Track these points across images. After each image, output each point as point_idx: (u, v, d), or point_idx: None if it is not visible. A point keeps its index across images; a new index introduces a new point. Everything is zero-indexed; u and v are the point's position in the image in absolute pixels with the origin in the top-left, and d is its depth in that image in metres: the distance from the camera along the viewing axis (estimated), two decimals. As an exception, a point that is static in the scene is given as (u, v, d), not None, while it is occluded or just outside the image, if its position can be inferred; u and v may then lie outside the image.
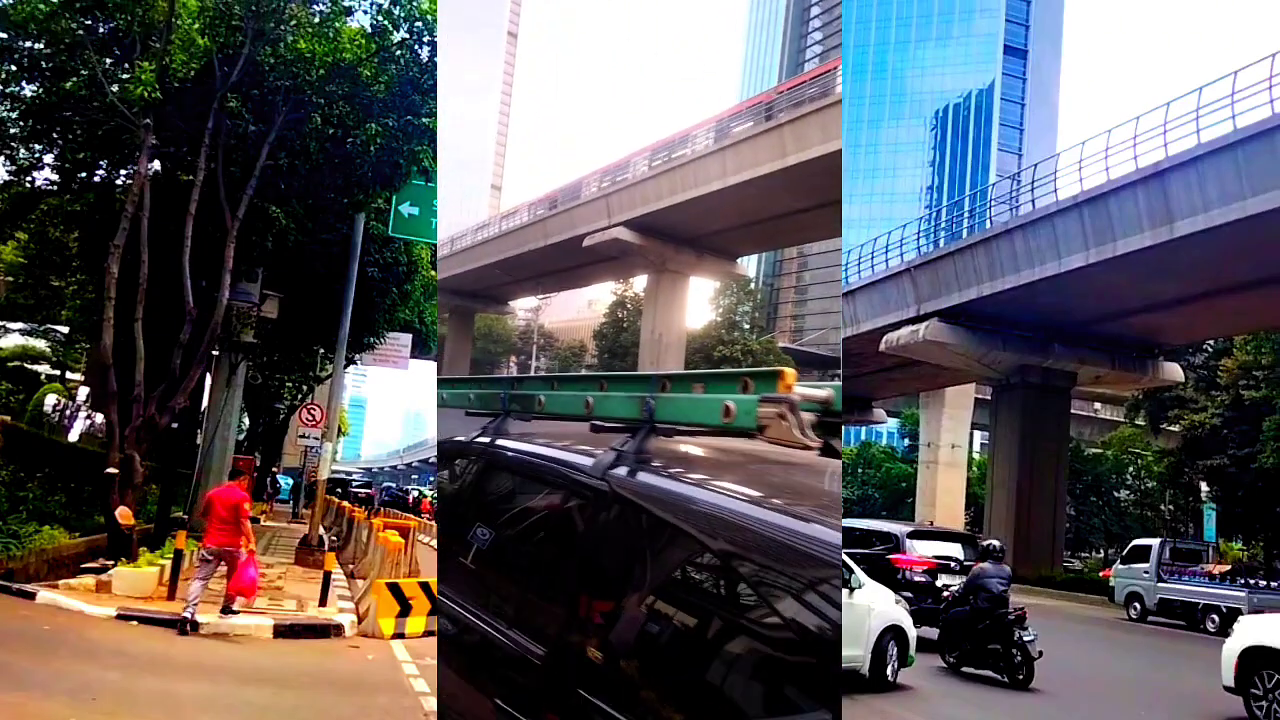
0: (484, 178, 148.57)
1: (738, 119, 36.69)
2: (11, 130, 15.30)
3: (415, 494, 48.58)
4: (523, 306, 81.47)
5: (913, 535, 14.49)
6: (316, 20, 14.62)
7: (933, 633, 12.07)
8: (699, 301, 55.67)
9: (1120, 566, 24.88)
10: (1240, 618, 11.84)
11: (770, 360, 61.00)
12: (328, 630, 10.54)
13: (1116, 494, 52.70)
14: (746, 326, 64.94)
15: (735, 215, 38.96)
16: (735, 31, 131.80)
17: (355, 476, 67.45)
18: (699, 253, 45.35)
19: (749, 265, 73.77)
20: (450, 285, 65.77)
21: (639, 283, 69.23)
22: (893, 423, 66.60)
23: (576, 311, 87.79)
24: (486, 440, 3.78)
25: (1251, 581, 21.85)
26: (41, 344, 29.62)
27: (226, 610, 10.10)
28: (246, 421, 36.04)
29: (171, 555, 11.50)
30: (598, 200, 44.96)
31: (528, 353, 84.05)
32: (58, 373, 27.98)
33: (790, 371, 2.59)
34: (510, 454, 3.63)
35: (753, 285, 68.13)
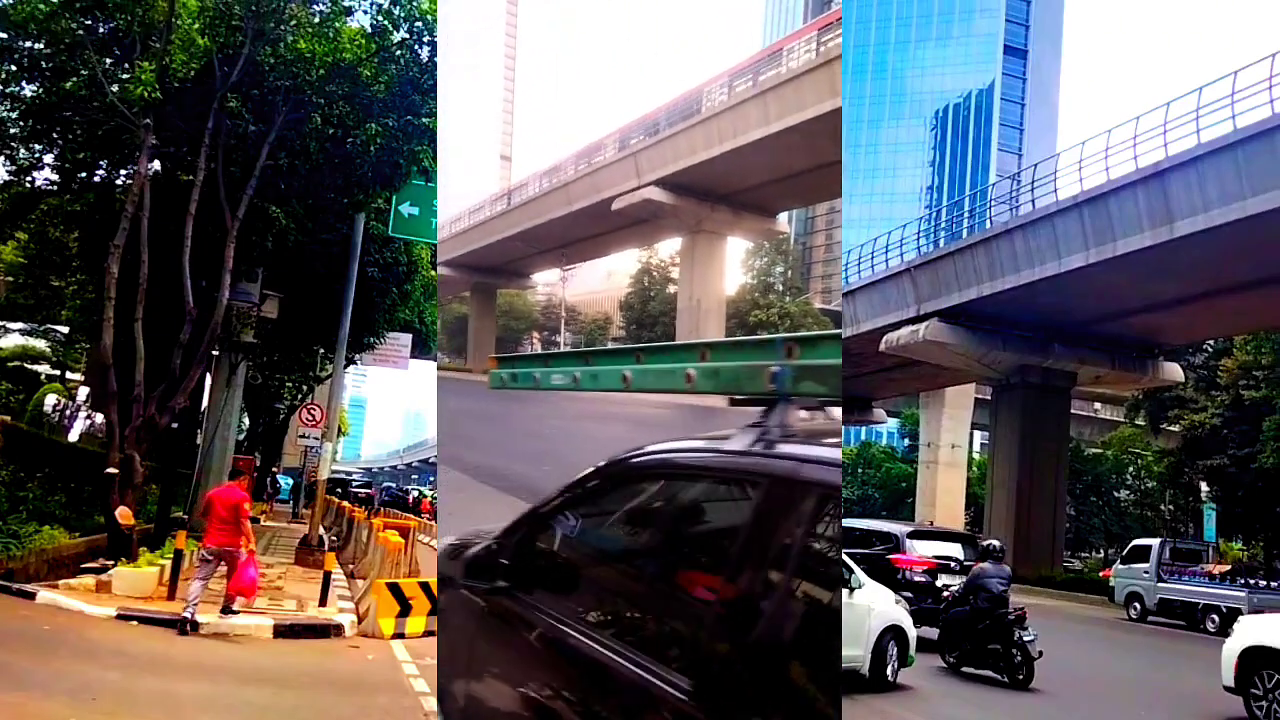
0: (492, 148, 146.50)
1: (773, 60, 34.39)
2: (11, 130, 15.30)
3: (415, 494, 48.55)
4: (543, 281, 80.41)
5: (913, 535, 14.48)
6: (316, 20, 14.62)
7: (933, 633, 12.07)
8: (731, 264, 53.01)
9: (1120, 566, 24.88)
10: (1240, 618, 11.83)
11: (809, 323, 59.01)
12: (328, 630, 10.54)
13: (1116, 494, 52.68)
14: (781, 288, 62.49)
15: (776, 167, 36.49)
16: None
17: (355, 476, 67.42)
18: (736, 210, 42.64)
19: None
20: (468, 261, 64.13)
21: (665, 248, 67.11)
22: (893, 423, 66.53)
23: (597, 283, 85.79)
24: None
25: (1251, 581, 21.85)
26: (41, 344, 29.60)
27: (226, 610, 10.10)
28: (246, 421, 36.03)
29: (171, 555, 11.50)
30: (625, 160, 42.16)
31: (551, 328, 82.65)
32: (58, 373, 27.97)
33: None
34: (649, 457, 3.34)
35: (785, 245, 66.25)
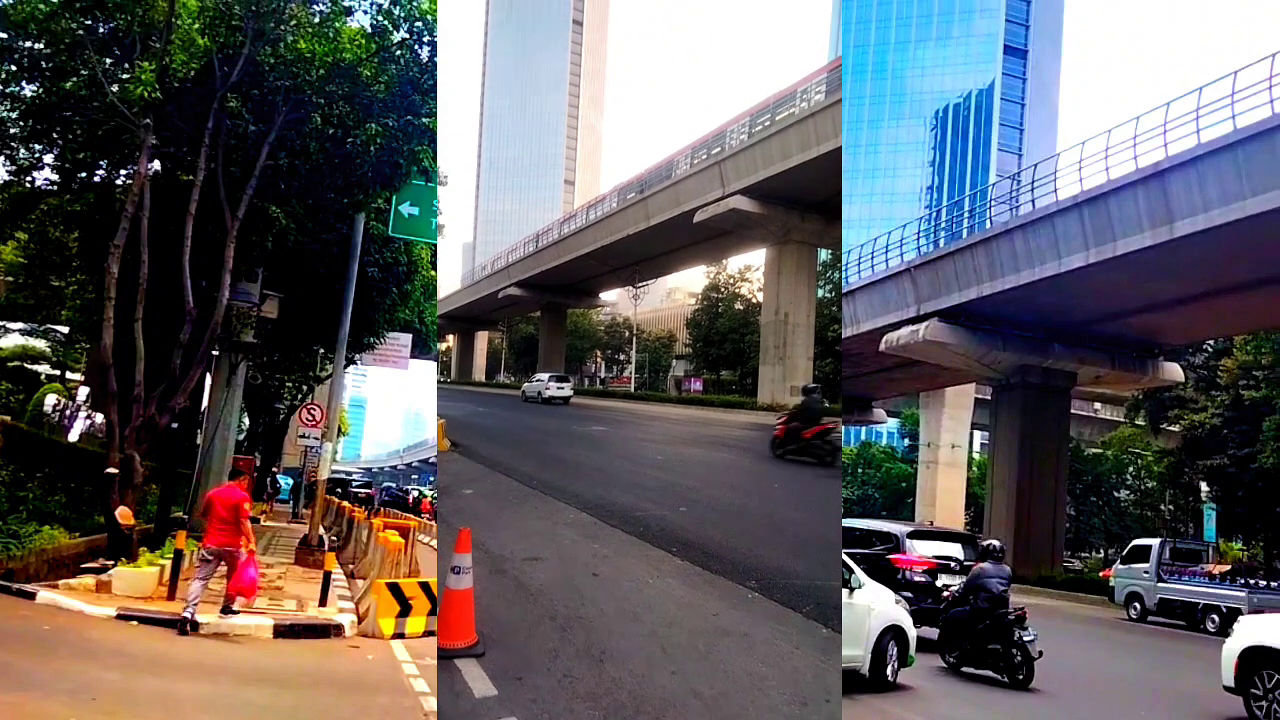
0: (555, 176, 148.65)
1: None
2: (11, 130, 15.28)
3: (415, 494, 48.48)
4: (609, 299, 79.84)
5: (913, 535, 14.46)
6: (316, 20, 14.62)
7: (933, 633, 12.07)
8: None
9: (1120, 566, 24.88)
10: (1240, 618, 11.82)
11: None
12: (328, 630, 10.54)
13: (1116, 494, 52.70)
14: None
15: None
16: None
17: (355, 476, 67.32)
18: (828, 218, 40.40)
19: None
20: (538, 282, 63.87)
21: (734, 263, 66.61)
22: (893, 423, 66.58)
23: (659, 300, 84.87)
24: None
25: (1251, 581, 21.84)
26: (41, 344, 29.57)
27: (226, 610, 10.10)
28: (246, 421, 36.02)
29: (171, 555, 11.51)
30: (708, 169, 40.61)
31: (615, 346, 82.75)
32: (58, 373, 27.95)
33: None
34: None
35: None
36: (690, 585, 7.57)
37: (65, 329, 27.34)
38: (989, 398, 40.34)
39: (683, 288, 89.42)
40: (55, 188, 16.92)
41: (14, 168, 16.07)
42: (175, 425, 15.05)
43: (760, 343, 44.61)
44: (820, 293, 56.25)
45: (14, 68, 14.39)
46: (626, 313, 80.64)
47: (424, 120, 15.00)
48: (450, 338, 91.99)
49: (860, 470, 63.61)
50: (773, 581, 7.71)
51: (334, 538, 21.34)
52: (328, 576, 12.15)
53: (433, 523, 26.55)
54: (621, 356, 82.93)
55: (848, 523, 15.40)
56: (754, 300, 66.54)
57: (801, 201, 38.93)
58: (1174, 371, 34.01)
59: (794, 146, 35.15)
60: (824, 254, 51.05)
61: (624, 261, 55.98)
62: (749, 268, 68.12)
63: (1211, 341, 36.66)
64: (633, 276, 60.78)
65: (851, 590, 9.37)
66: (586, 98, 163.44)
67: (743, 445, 23.89)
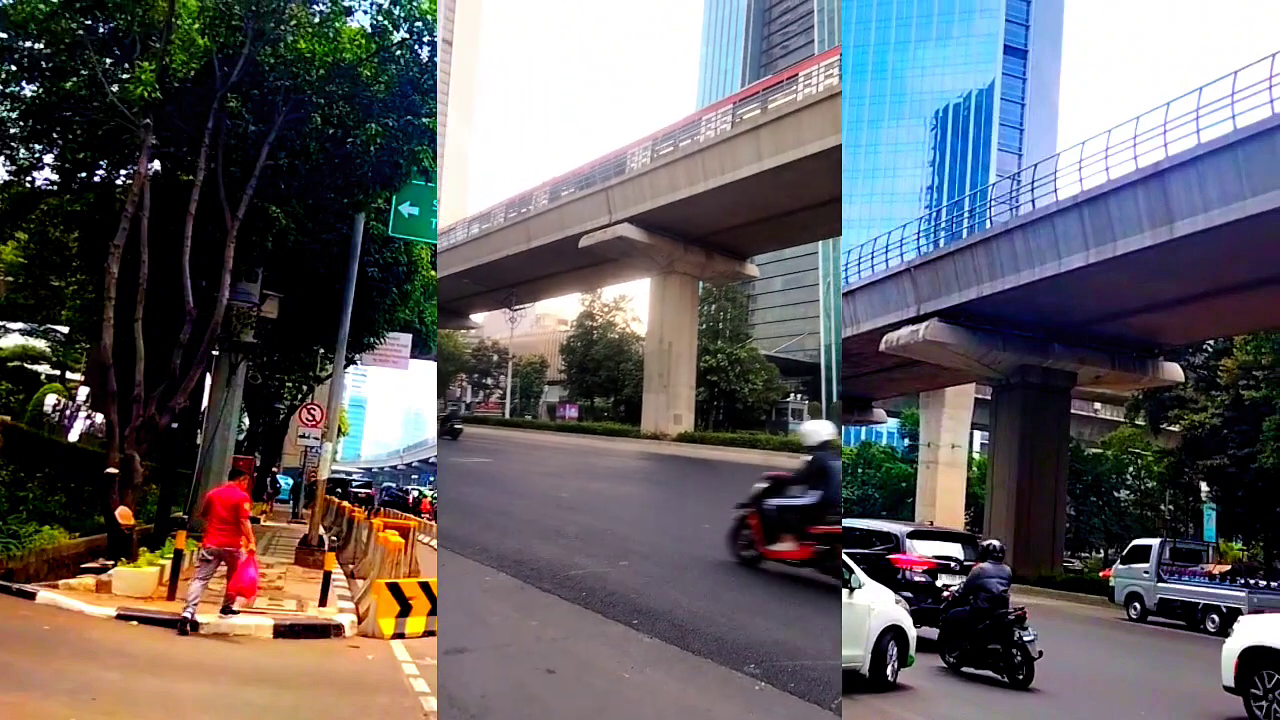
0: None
1: (752, 102, 33.97)
2: (11, 130, 15.29)
3: (415, 494, 48.48)
4: (477, 322, 77.10)
5: (913, 535, 14.47)
6: (316, 20, 14.62)
7: (933, 633, 12.07)
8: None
9: (1120, 566, 24.88)
10: (1240, 618, 11.83)
11: (756, 369, 59.26)
12: (328, 630, 10.54)
13: (1116, 494, 52.66)
14: (729, 334, 62.29)
15: (758, 207, 35.37)
16: (694, 33, 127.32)
17: (355, 476, 67.27)
18: (709, 252, 41.71)
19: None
20: None
21: (609, 291, 66.48)
22: (893, 423, 66.56)
23: (530, 325, 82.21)
24: None
25: (1251, 581, 21.84)
26: (41, 344, 29.60)
27: (226, 610, 10.11)
28: (246, 421, 36.03)
29: (171, 555, 11.51)
30: (596, 195, 40.82)
31: (481, 370, 79.54)
32: (58, 373, 27.97)
33: None
34: None
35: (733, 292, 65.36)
36: (677, 676, 5.92)
37: (65, 329, 27.36)
38: (989, 398, 40.33)
39: (553, 314, 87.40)
40: (55, 188, 16.93)
41: (14, 168, 16.08)
42: (175, 425, 15.05)
43: (644, 370, 45.43)
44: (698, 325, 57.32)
45: (14, 68, 14.39)
46: (495, 336, 78.88)
47: (424, 120, 15.00)
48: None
49: (860, 470, 63.60)
50: (775, 663, 6.23)
51: (334, 538, 21.34)
52: (328, 576, 12.15)
53: (433, 523, 26.55)
54: (489, 381, 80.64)
55: (848, 523, 15.39)
56: (627, 329, 67.72)
57: (686, 234, 39.89)
58: (1174, 371, 34.00)
59: (681, 179, 35.79)
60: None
61: (501, 283, 55.17)
62: (624, 297, 69.09)
63: (1211, 341, 36.64)
64: (508, 299, 60.17)
65: (851, 590, 9.37)
66: (457, 116, 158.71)
67: (645, 477, 23.54)
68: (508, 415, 64.44)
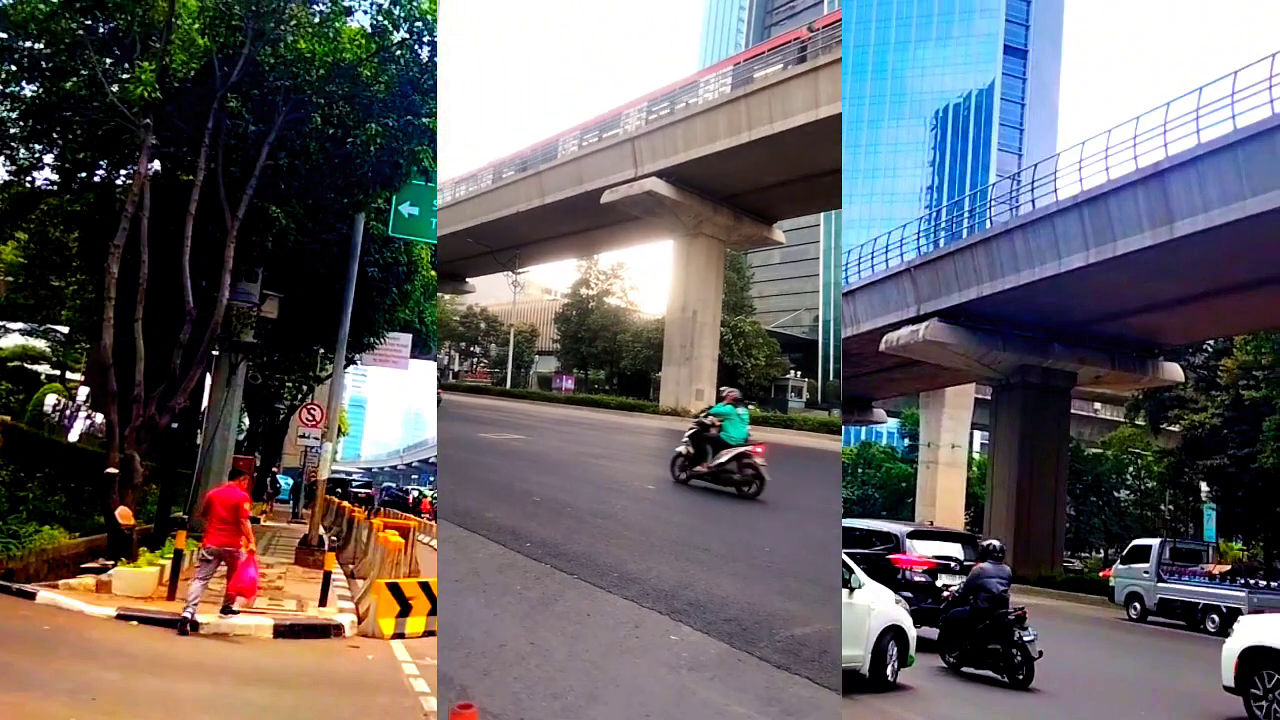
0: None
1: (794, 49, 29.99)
2: (11, 130, 15.29)
3: (415, 494, 48.50)
4: (466, 286, 71.63)
5: (913, 535, 14.46)
6: (316, 20, 14.62)
7: (933, 633, 12.07)
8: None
9: (1120, 566, 24.88)
10: (1240, 618, 11.82)
11: (759, 344, 57.47)
12: (328, 630, 10.54)
13: (1116, 494, 52.66)
14: (733, 306, 59.49)
15: (795, 165, 31.71)
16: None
17: (355, 476, 67.26)
18: (738, 214, 38.11)
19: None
20: None
21: (606, 259, 62.63)
22: (893, 423, 66.53)
23: (515, 294, 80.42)
24: None
25: (1251, 581, 21.85)
26: (41, 344, 29.60)
27: (226, 610, 10.11)
28: (246, 421, 36.03)
29: (171, 555, 11.51)
30: (621, 145, 36.52)
31: (469, 339, 76.07)
32: (58, 373, 27.97)
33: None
34: None
35: (738, 262, 62.17)
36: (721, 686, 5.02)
37: (65, 329, 27.37)
38: (989, 398, 40.33)
39: (536, 282, 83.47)
40: (55, 188, 16.93)
41: (14, 168, 16.08)
42: (175, 425, 15.04)
43: (664, 341, 41.46)
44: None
45: (14, 68, 14.40)
46: (484, 303, 75.19)
47: (424, 120, 14.99)
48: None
49: (860, 470, 63.57)
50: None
51: (334, 538, 21.35)
52: (328, 576, 12.15)
53: (433, 523, 26.55)
54: (476, 349, 77.31)
55: (848, 523, 15.40)
56: (624, 299, 65.24)
57: (717, 193, 36.33)
58: (1174, 371, 34.01)
59: (722, 129, 31.95)
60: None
61: (506, 244, 51.01)
62: (621, 264, 65.69)
63: (1211, 341, 36.65)
64: (511, 260, 56.02)
65: (851, 590, 9.38)
66: (459, 55, 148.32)
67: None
68: (508, 386, 61.63)
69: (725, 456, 12.96)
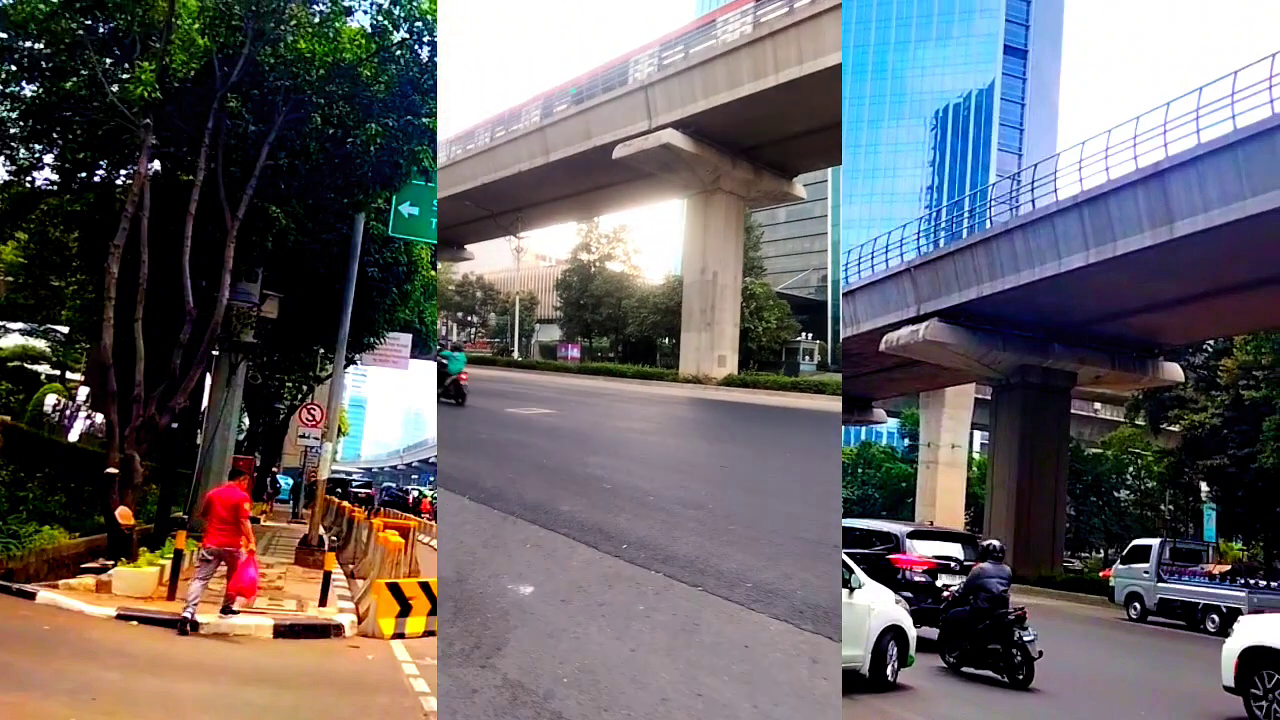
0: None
1: None
2: (11, 130, 15.29)
3: (415, 494, 48.52)
4: (462, 255, 68.64)
5: (913, 535, 14.47)
6: (316, 20, 14.62)
7: (933, 633, 12.07)
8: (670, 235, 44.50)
9: (1120, 566, 24.89)
10: (1240, 618, 11.83)
11: (770, 305, 54.57)
12: (328, 630, 10.54)
13: (1116, 494, 52.68)
14: (745, 266, 58.18)
15: (823, 111, 28.92)
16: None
17: (355, 476, 67.24)
18: (757, 168, 35.44)
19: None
20: None
21: (607, 222, 59.07)
22: (893, 423, 66.51)
23: (511, 260, 72.28)
24: None
25: (1251, 581, 21.85)
26: (41, 344, 29.60)
27: (226, 610, 10.11)
28: (246, 421, 36.04)
29: (171, 555, 11.51)
30: (632, 95, 33.58)
31: (467, 308, 72.84)
32: (58, 373, 27.97)
33: None
34: None
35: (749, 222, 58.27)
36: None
37: (65, 329, 27.38)
38: (989, 398, 40.34)
39: (531, 249, 78.42)
40: (55, 188, 16.93)
41: (14, 168, 16.08)
42: (175, 425, 15.05)
43: (682, 306, 39.12)
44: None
45: (14, 68, 14.39)
46: (480, 270, 71.82)
47: (424, 120, 15.00)
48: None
49: (860, 470, 63.57)
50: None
51: (334, 538, 21.35)
52: (328, 576, 12.15)
53: (433, 523, 26.55)
54: (474, 319, 74.05)
55: (848, 523, 15.40)
56: (627, 263, 62.16)
57: (736, 145, 33.58)
58: (1174, 371, 34.00)
59: (746, 73, 29.02)
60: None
61: (507, 206, 48.18)
62: (623, 227, 62.57)
63: (1211, 341, 36.65)
64: (513, 224, 53.07)
65: (851, 590, 9.38)
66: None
67: (736, 436, 18.75)
68: (517, 357, 59.10)
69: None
